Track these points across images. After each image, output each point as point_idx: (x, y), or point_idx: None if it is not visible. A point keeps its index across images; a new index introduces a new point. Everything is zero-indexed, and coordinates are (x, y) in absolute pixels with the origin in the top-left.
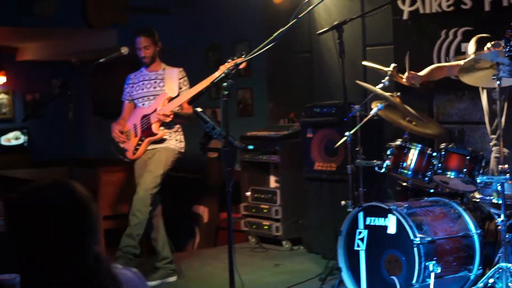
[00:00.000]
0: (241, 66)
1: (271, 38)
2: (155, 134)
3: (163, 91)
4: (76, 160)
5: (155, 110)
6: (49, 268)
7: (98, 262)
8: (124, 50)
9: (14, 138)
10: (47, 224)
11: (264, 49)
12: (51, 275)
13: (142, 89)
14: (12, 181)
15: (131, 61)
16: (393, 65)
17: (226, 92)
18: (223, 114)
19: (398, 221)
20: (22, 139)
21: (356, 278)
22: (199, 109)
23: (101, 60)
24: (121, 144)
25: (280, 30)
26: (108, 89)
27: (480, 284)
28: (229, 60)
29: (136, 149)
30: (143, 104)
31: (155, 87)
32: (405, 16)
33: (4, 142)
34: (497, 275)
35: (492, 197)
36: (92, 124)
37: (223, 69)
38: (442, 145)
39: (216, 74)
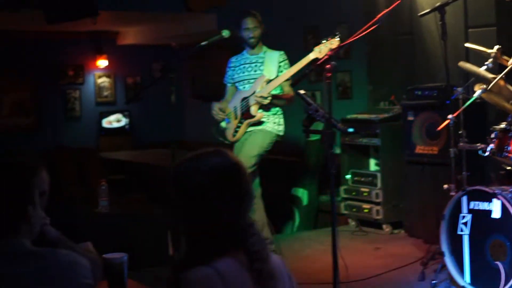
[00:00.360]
0: (334, 47)
1: (374, 20)
2: (253, 116)
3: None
4: (177, 143)
5: (253, 93)
6: (209, 227)
7: (252, 226)
8: (226, 33)
9: (115, 121)
10: (209, 186)
11: (368, 31)
12: (211, 234)
13: (243, 72)
14: (115, 163)
15: (230, 44)
16: (496, 47)
17: (329, 74)
18: (326, 96)
19: (503, 205)
20: (124, 121)
21: (459, 263)
22: (302, 91)
23: (202, 43)
24: (222, 126)
25: (384, 12)
26: (206, 72)
27: None
28: (323, 41)
29: (236, 131)
30: (244, 87)
31: (255, 70)
32: None
33: (106, 125)
34: None
35: None
36: (191, 107)
37: (317, 50)
38: None
39: (311, 56)
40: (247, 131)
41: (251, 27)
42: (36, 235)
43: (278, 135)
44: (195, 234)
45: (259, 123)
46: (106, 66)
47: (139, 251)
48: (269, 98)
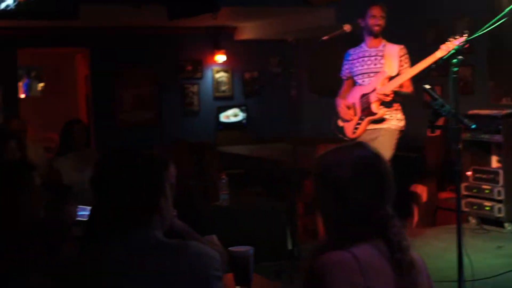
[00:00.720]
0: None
1: (502, 14)
2: (375, 114)
3: (383, 68)
4: (295, 138)
5: (374, 89)
6: (350, 217)
7: (393, 218)
8: (347, 27)
9: (232, 115)
10: (352, 177)
11: (495, 25)
12: (352, 223)
13: (362, 66)
14: (233, 157)
15: (347, 38)
16: None
17: (456, 69)
18: (451, 92)
19: None
20: (241, 116)
21: None
22: (427, 86)
23: (324, 38)
24: (341, 123)
25: None
26: (323, 67)
27: None
28: (450, 39)
29: (356, 128)
30: (363, 81)
31: (375, 64)
32: None
33: (223, 119)
34: None
35: None
36: (308, 102)
37: (444, 48)
38: None
39: (438, 54)
40: (368, 129)
41: (378, 15)
42: (167, 227)
43: (401, 131)
44: (336, 222)
45: (381, 120)
46: (224, 61)
47: (258, 245)
48: (391, 95)
